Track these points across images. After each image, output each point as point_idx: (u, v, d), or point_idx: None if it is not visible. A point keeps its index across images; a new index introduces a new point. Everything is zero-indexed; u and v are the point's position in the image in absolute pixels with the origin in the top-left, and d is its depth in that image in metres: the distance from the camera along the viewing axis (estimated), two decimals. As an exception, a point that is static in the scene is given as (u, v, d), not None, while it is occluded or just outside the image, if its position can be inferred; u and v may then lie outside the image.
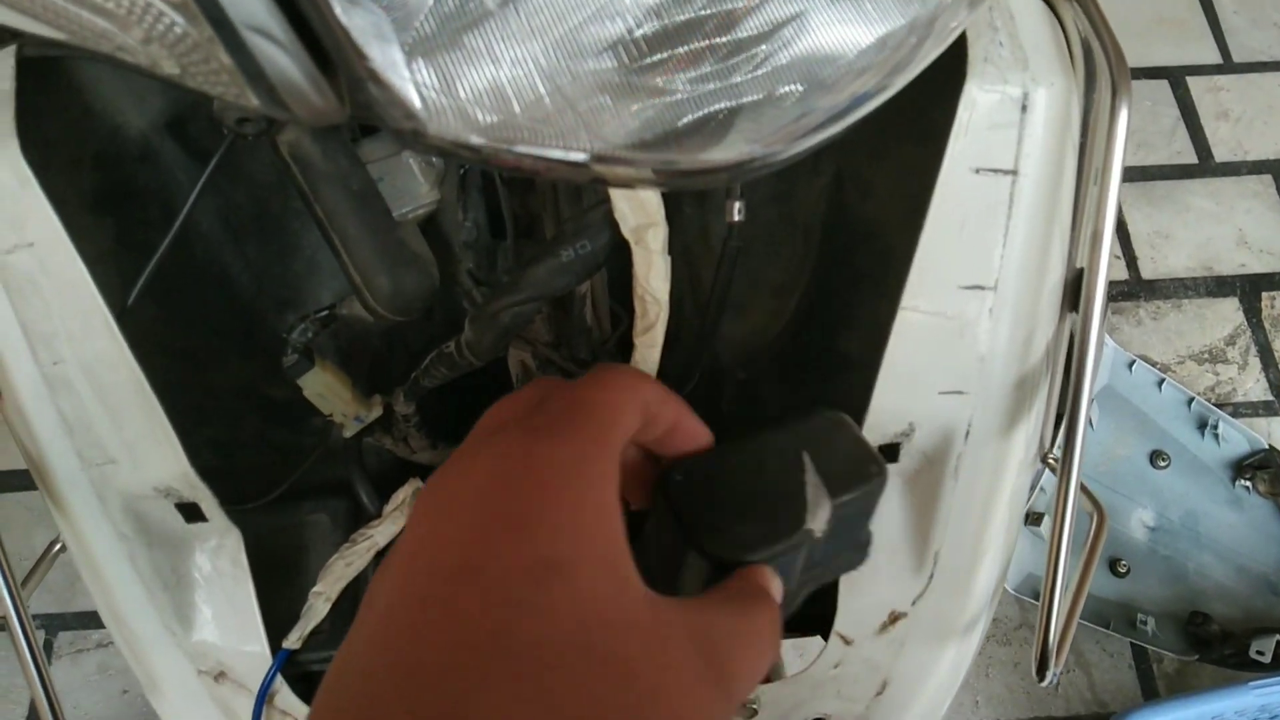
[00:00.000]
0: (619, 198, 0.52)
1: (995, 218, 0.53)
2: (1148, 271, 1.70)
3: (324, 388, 0.62)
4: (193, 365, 0.65)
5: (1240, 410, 1.60)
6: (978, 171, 0.52)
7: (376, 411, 0.65)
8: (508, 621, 0.24)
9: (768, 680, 0.63)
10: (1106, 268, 0.55)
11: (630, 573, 0.27)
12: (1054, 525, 0.56)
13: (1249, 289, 1.67)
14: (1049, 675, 0.58)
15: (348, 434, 0.65)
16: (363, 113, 0.32)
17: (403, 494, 0.62)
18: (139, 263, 0.59)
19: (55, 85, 0.54)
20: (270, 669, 0.57)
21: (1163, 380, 1.47)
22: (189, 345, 0.64)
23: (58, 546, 0.60)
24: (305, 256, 0.68)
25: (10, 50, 0.49)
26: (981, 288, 0.54)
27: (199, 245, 0.64)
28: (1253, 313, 1.66)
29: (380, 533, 0.61)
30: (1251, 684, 1.25)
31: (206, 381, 0.66)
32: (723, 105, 0.39)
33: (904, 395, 0.55)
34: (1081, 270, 0.60)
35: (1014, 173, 0.52)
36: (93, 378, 0.51)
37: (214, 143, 0.61)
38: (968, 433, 0.57)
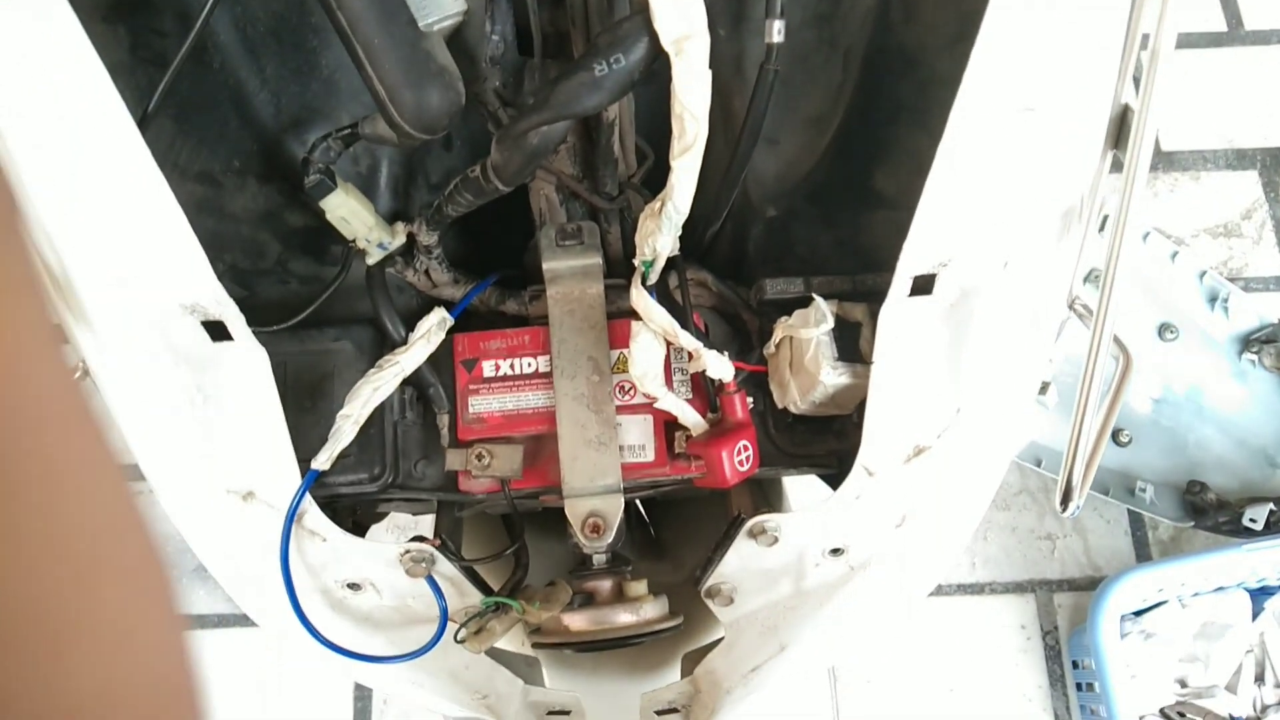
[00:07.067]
0: (660, 2, 0.49)
1: (1050, 37, 0.50)
2: (1167, 143, 1.66)
3: (347, 211, 0.60)
4: (211, 189, 0.63)
5: (1251, 285, 1.60)
6: (1035, -16, 0.49)
7: (400, 239, 0.63)
8: None
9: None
10: (1159, 99, 0.53)
11: None
12: (1089, 359, 0.56)
13: (1270, 163, 1.64)
14: (1071, 507, 0.59)
15: (371, 261, 0.63)
16: None
17: (428, 322, 0.61)
18: (154, 77, 0.57)
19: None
20: (299, 489, 0.58)
21: (1176, 253, 1.46)
22: (207, 168, 0.62)
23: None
24: (323, 76, 0.65)
25: None
26: (1031, 110, 0.52)
27: (216, 58, 0.61)
28: (1271, 187, 1.64)
29: (407, 359, 0.60)
30: (1243, 544, 1.28)
31: (225, 207, 0.64)
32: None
33: (944, 228, 0.54)
34: (1126, 106, 0.58)
35: (1072, -14, 0.50)
36: (116, 189, 0.49)
37: (228, -54, 0.58)
38: (1006, 263, 0.56)
